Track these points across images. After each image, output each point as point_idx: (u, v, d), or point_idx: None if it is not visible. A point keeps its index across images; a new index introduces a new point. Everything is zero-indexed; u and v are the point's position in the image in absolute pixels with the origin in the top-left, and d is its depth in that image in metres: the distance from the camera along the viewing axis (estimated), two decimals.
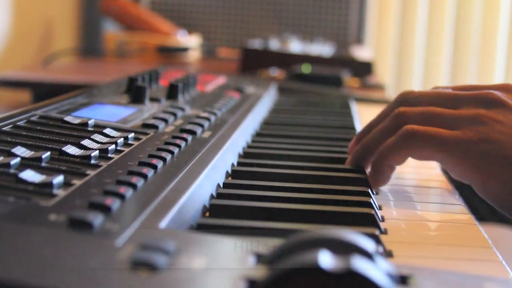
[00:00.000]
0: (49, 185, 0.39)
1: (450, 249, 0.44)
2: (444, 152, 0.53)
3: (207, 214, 0.46)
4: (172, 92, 0.76)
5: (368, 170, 0.57)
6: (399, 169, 0.57)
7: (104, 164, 0.46)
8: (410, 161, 0.66)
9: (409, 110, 0.56)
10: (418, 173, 0.64)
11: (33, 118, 0.56)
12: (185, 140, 0.56)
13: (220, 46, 2.02)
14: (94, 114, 0.61)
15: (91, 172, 0.44)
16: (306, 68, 1.32)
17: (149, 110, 0.67)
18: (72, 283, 0.28)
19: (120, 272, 0.29)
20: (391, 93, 1.68)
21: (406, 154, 0.55)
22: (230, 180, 0.54)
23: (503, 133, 0.52)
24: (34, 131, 0.52)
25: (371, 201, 0.50)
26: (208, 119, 0.66)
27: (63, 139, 0.51)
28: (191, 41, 1.78)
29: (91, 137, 0.52)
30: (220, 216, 0.46)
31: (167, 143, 0.54)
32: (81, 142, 0.50)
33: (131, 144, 0.53)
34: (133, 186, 0.42)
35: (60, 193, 0.39)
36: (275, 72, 1.36)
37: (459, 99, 0.56)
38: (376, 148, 0.56)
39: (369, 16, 2.21)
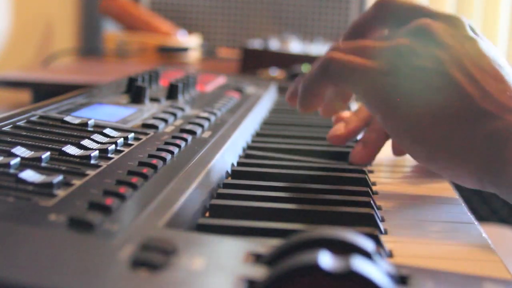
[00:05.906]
0: (49, 185, 0.39)
1: (450, 249, 0.44)
2: (355, 81, 0.50)
3: (207, 214, 0.46)
4: (172, 92, 0.76)
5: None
6: (396, 172, 0.57)
7: (104, 164, 0.46)
8: (410, 161, 0.66)
9: (339, 46, 0.53)
10: (418, 176, 0.64)
11: (33, 118, 0.56)
12: (185, 140, 0.56)
13: (220, 46, 2.03)
14: (94, 114, 0.61)
15: (91, 172, 0.44)
16: (306, 68, 1.32)
17: (149, 110, 0.67)
18: (72, 283, 0.28)
19: (120, 272, 0.29)
20: None
21: (325, 82, 0.53)
22: (230, 180, 0.54)
23: (415, 67, 0.48)
24: (34, 131, 0.52)
25: (371, 201, 0.50)
26: (208, 119, 0.66)
27: (63, 139, 0.51)
28: (191, 41, 1.78)
29: (91, 137, 0.52)
30: (220, 216, 0.46)
31: (167, 143, 0.54)
32: (81, 142, 0.50)
33: (131, 144, 0.53)
34: (133, 186, 0.42)
35: (60, 193, 0.39)
36: (275, 72, 1.36)
37: (396, 33, 0.52)
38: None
39: None
